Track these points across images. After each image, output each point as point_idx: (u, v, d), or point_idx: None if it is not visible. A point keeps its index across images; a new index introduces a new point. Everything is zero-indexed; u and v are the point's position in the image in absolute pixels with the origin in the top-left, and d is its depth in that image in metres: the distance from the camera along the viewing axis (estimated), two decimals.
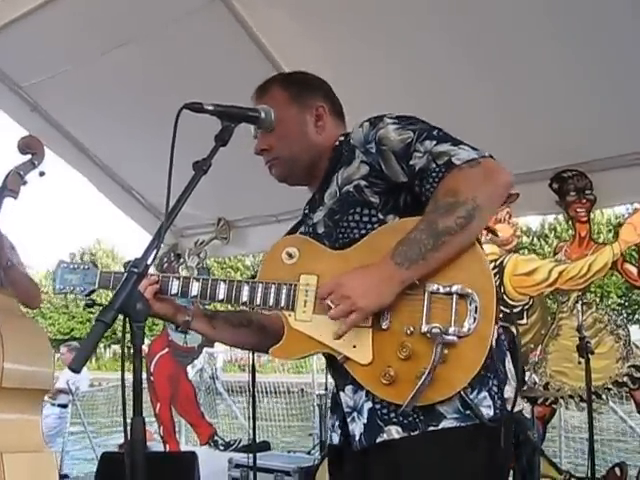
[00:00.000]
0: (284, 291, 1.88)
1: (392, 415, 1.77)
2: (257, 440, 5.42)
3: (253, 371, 4.84)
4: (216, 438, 7.15)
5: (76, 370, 1.35)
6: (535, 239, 25.79)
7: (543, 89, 4.05)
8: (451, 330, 1.67)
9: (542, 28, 3.73)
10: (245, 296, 1.92)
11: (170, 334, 7.16)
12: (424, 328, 1.69)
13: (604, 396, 4.81)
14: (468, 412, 1.73)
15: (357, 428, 1.84)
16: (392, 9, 3.80)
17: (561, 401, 5.02)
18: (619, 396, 5.01)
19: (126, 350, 1.43)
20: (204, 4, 4.07)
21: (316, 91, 2.13)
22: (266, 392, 10.81)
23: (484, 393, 1.75)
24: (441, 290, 1.71)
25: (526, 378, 5.02)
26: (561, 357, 4.97)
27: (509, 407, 1.79)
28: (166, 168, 1.60)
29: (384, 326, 1.75)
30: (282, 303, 1.88)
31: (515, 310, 5.19)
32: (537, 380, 5.04)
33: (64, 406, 8.75)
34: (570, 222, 5.00)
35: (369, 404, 1.81)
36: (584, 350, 4.09)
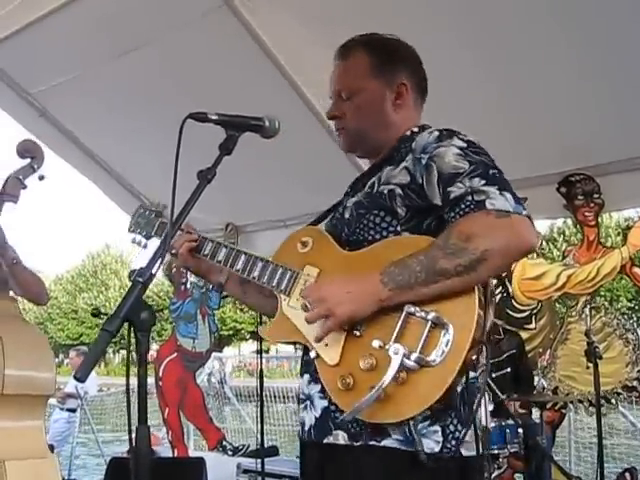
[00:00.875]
0: (287, 276, 1.94)
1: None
2: (265, 445, 5.43)
3: (261, 376, 4.84)
4: (224, 443, 7.15)
5: (81, 379, 1.35)
6: (544, 243, 25.71)
7: (550, 92, 4.03)
8: (413, 356, 1.62)
9: (548, 31, 3.72)
10: (257, 271, 2.01)
11: (179, 339, 7.18)
12: (388, 346, 1.65)
13: (613, 400, 4.79)
14: (413, 438, 1.68)
15: (307, 418, 1.89)
16: (402, 16, 3.80)
17: (570, 406, 5.00)
18: (629, 400, 4.99)
19: (132, 357, 1.44)
20: (210, 10, 4.08)
21: (402, 64, 2.03)
22: (274, 397, 10.80)
23: (436, 427, 1.71)
24: (418, 313, 1.66)
25: (535, 382, 5.01)
26: (570, 361, 4.95)
27: (464, 451, 1.74)
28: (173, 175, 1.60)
29: (357, 333, 1.74)
30: (282, 286, 1.94)
31: (523, 314, 5.18)
32: (546, 385, 5.03)
33: (73, 410, 8.77)
34: (578, 226, 4.99)
35: (324, 402, 1.83)
36: (592, 355, 4.08)
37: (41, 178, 3.28)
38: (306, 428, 1.88)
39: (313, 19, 3.99)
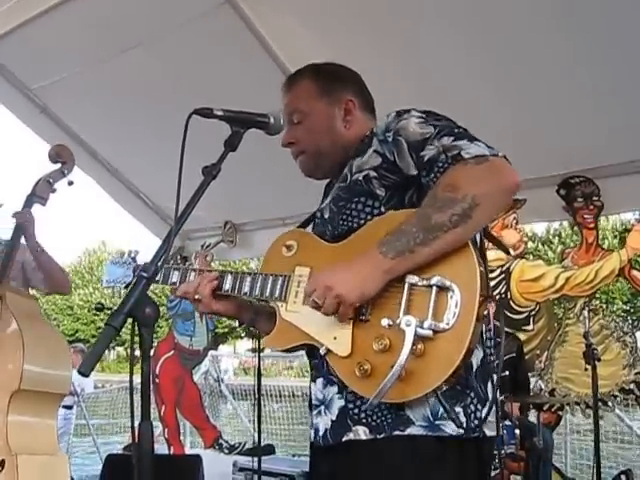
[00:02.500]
0: (279, 282, 1.90)
1: (362, 415, 1.75)
2: (262, 443, 5.42)
3: (259, 374, 4.84)
4: (221, 441, 7.16)
5: (85, 374, 1.35)
6: (540, 245, 25.71)
7: (551, 95, 4.04)
8: (426, 324, 1.59)
9: (549, 34, 3.72)
10: (246, 287, 1.96)
11: (176, 336, 7.18)
12: (399, 320, 1.62)
13: (610, 403, 4.80)
14: (437, 422, 1.68)
15: (322, 423, 1.83)
16: (403, 16, 3.81)
17: (567, 407, 5.01)
18: (625, 403, 4.99)
19: (133, 353, 1.44)
20: (213, 8, 4.08)
21: (346, 84, 2.09)
22: (271, 396, 10.79)
23: (458, 408, 1.70)
24: (420, 283, 1.64)
25: (532, 385, 5.02)
26: (567, 363, 4.96)
27: (487, 431, 1.75)
28: (174, 171, 1.60)
29: (364, 318, 1.71)
30: (276, 294, 1.90)
31: (521, 316, 5.19)
32: (543, 386, 5.04)
33: (69, 407, 8.75)
34: (576, 228, 5.00)
35: (341, 402, 1.79)
36: (590, 357, 4.08)
37: (70, 183, 3.39)
38: (320, 433, 1.83)
39: (314, 16, 3.99)
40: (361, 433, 1.74)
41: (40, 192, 3.30)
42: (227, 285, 2.01)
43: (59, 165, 3.37)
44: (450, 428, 1.68)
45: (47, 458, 3.01)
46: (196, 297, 2.03)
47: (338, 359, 1.75)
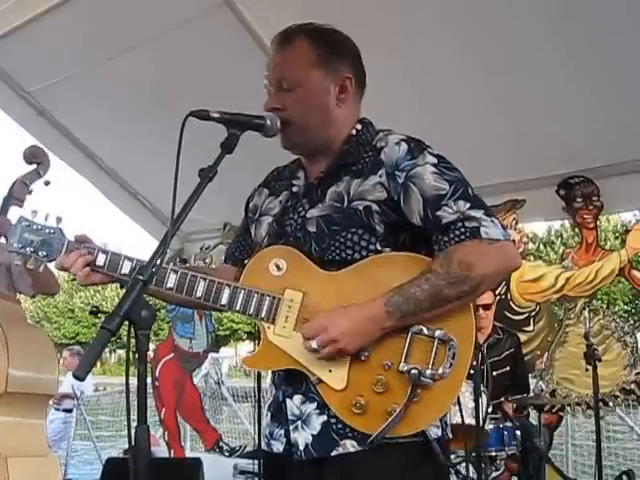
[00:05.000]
0: (267, 302, 1.82)
1: (347, 430, 1.78)
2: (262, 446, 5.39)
3: (259, 377, 4.82)
4: (221, 444, 7.14)
5: (80, 378, 1.34)
6: (541, 245, 25.69)
7: (550, 95, 4.04)
8: (428, 373, 1.71)
9: (549, 35, 3.72)
10: (224, 299, 1.84)
11: (176, 339, 7.16)
12: (402, 367, 1.72)
13: (611, 403, 4.79)
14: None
15: (301, 438, 1.83)
16: (402, 19, 3.80)
17: (568, 408, 4.99)
18: (626, 403, 4.98)
19: (131, 356, 1.42)
20: (210, 9, 4.08)
21: (346, 57, 1.96)
22: None
23: None
24: (425, 332, 1.74)
25: (532, 385, 5.00)
26: (568, 364, 4.95)
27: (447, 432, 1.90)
28: (172, 172, 1.59)
29: (362, 357, 1.75)
30: (262, 314, 1.82)
31: (522, 317, 5.18)
32: (544, 387, 5.02)
33: (69, 411, 8.74)
34: (577, 229, 4.99)
35: (323, 417, 1.81)
36: (591, 357, 4.06)
37: (47, 183, 3.31)
38: (301, 447, 1.82)
39: (312, 17, 3.97)
40: (349, 446, 1.78)
41: (17, 194, 3.22)
42: (170, 284, 1.86)
43: (34, 166, 3.30)
44: (433, 432, 1.81)
45: (38, 460, 3.02)
46: (71, 271, 1.93)
47: (331, 391, 1.78)
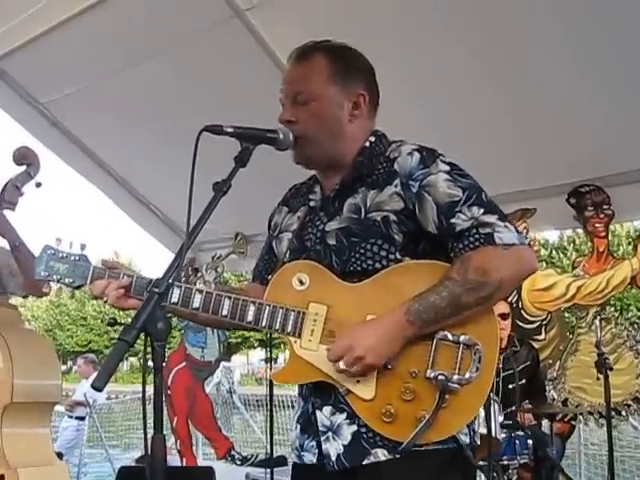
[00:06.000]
0: (292, 317, 1.85)
1: (377, 438, 1.80)
2: (274, 455, 5.40)
3: (271, 385, 4.83)
4: (233, 452, 7.14)
5: (98, 388, 1.36)
6: (553, 252, 25.59)
7: (559, 104, 4.04)
8: (455, 378, 1.74)
9: (558, 43, 3.72)
10: (250, 316, 1.87)
11: (187, 348, 7.18)
12: (429, 373, 1.75)
13: (624, 412, 4.77)
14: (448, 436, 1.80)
15: (332, 448, 1.85)
16: (409, 25, 3.82)
17: (580, 417, 4.98)
18: (639, 412, 4.96)
19: (145, 365, 1.45)
20: (221, 21, 4.10)
21: (361, 75, 2.00)
22: (283, 406, 10.75)
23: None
24: (449, 337, 1.77)
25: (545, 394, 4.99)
26: (580, 373, 4.93)
27: (477, 439, 1.92)
28: (185, 182, 1.60)
29: (389, 366, 1.77)
30: (289, 329, 1.85)
31: (533, 325, 5.17)
32: (556, 396, 5.01)
33: (82, 418, 8.76)
34: (588, 236, 4.97)
35: (353, 427, 1.82)
36: (603, 366, 4.05)
37: (38, 185, 3.26)
38: (333, 458, 1.84)
39: (323, 30, 3.97)
40: (380, 455, 1.80)
41: (9, 197, 3.18)
42: (196, 304, 1.89)
43: (25, 167, 3.25)
44: (461, 439, 1.82)
45: (47, 469, 3.01)
46: (103, 299, 1.99)
47: (360, 401, 1.80)
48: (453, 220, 1.78)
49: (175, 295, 1.91)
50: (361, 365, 1.73)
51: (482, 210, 1.78)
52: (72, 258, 2.02)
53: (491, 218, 1.77)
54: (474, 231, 1.76)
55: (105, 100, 4.82)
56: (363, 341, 1.73)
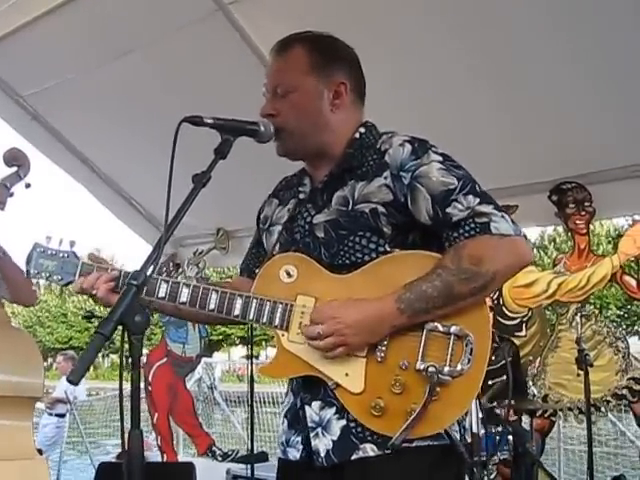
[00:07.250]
0: (279, 310, 1.83)
1: (367, 433, 1.78)
2: (255, 451, 5.41)
3: (252, 381, 4.83)
4: (214, 448, 7.12)
5: (74, 382, 1.35)
6: (534, 250, 25.76)
7: (541, 102, 4.05)
8: (446, 370, 1.70)
9: (544, 42, 3.73)
10: (237, 309, 1.85)
11: (168, 344, 7.15)
12: (419, 365, 1.72)
13: (603, 408, 4.80)
14: (439, 432, 1.77)
15: (322, 444, 1.82)
16: (400, 21, 3.81)
17: (560, 413, 5.00)
18: (618, 408, 4.99)
19: (124, 360, 1.43)
20: (204, 15, 4.07)
21: (341, 63, 1.98)
22: (264, 402, 10.76)
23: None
24: (440, 328, 1.73)
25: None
26: (560, 369, 4.96)
27: (467, 436, 1.89)
28: (166, 179, 1.59)
29: (378, 358, 1.75)
30: (276, 322, 1.83)
31: (514, 322, 5.19)
32: (536, 392, 5.03)
33: (62, 415, 8.71)
34: (569, 234, 5.00)
35: (342, 422, 1.80)
36: (583, 362, 4.08)
37: (27, 186, 3.24)
38: (322, 454, 1.81)
39: (308, 25, 3.98)
40: (369, 450, 1.77)
41: None
42: (183, 298, 1.87)
43: (15, 168, 3.22)
44: (452, 436, 1.80)
45: (25, 462, 2.98)
46: (92, 292, 1.98)
47: (348, 395, 1.77)
48: (449, 210, 1.76)
49: (162, 290, 1.90)
50: (337, 339, 1.70)
51: (478, 200, 1.76)
52: (61, 255, 2.04)
53: (487, 208, 1.75)
54: (470, 220, 1.74)
55: (86, 93, 4.78)
56: (348, 315, 1.71)
